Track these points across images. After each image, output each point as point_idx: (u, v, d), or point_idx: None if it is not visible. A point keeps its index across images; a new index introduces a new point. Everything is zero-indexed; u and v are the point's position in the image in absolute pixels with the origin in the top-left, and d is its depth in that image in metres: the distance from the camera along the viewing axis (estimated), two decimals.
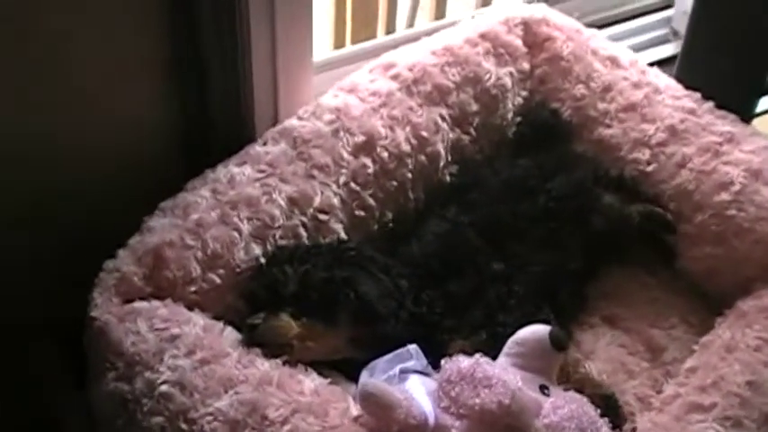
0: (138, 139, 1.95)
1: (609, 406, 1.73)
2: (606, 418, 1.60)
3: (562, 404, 1.51)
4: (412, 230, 1.98)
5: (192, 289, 1.71)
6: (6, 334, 1.84)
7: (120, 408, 1.56)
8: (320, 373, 1.64)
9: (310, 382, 1.58)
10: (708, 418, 1.63)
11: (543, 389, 1.56)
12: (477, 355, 1.54)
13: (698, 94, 2.14)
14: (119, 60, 1.84)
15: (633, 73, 2.17)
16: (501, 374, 1.50)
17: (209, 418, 1.47)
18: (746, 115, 2.29)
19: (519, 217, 1.97)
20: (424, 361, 1.68)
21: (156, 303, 1.66)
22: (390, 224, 2.02)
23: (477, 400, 1.47)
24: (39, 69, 1.75)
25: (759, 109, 2.52)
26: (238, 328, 1.69)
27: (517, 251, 1.92)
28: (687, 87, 2.17)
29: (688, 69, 2.38)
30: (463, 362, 1.52)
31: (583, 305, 2.02)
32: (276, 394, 1.51)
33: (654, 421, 1.70)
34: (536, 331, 1.61)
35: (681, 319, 1.99)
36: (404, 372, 1.67)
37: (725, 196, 1.97)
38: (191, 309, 1.69)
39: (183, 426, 1.48)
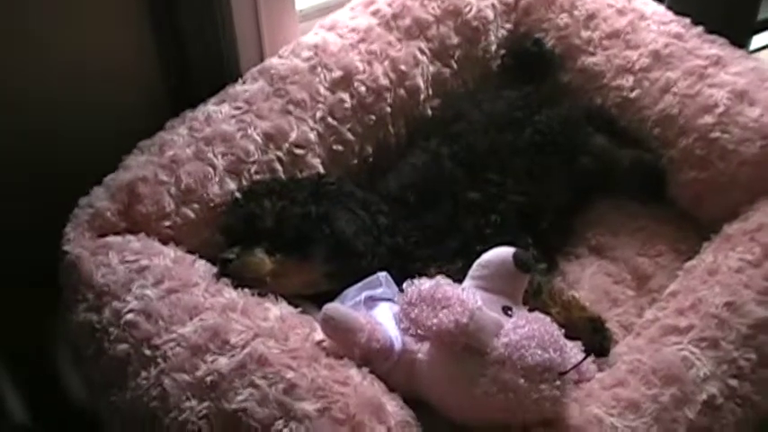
0: (125, 88, 1.98)
1: (595, 328, 1.73)
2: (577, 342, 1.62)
3: (523, 324, 1.49)
4: (393, 164, 1.97)
5: (167, 224, 1.74)
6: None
7: (89, 338, 1.58)
8: (292, 303, 1.66)
9: (277, 309, 1.60)
10: (683, 340, 1.61)
11: (507, 310, 1.55)
12: (438, 277, 1.53)
13: (687, 20, 2.09)
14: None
15: (619, 0, 2.13)
16: (460, 295, 1.49)
17: (173, 343, 1.49)
18: None
19: (502, 148, 1.95)
20: (395, 288, 1.68)
21: (129, 237, 1.70)
22: (371, 158, 2.02)
23: (435, 321, 1.46)
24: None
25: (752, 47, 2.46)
26: (215, 262, 1.70)
27: (497, 181, 1.90)
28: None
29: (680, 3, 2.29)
30: (424, 284, 1.51)
31: (568, 236, 2.00)
32: (240, 320, 1.52)
33: (629, 345, 1.68)
34: (499, 253, 1.59)
35: (669, 247, 1.96)
36: (374, 299, 1.68)
37: (708, 119, 1.92)
38: (165, 243, 1.72)
39: (147, 352, 1.50)
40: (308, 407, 1.39)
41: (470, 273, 1.61)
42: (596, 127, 2.07)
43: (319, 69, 1.95)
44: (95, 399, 1.61)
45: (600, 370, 1.66)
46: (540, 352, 1.46)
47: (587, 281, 1.90)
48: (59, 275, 1.68)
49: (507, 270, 1.58)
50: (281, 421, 1.38)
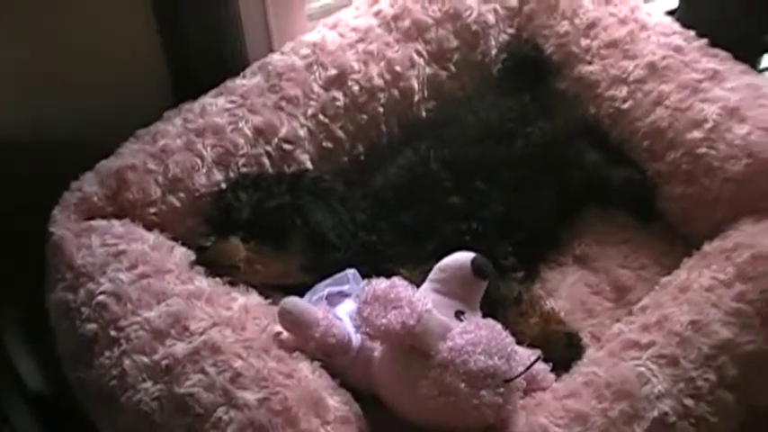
0: (132, 80, 2.04)
1: (570, 344, 1.74)
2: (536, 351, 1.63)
3: (471, 329, 1.51)
4: (383, 163, 2.00)
5: (152, 210, 1.81)
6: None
7: (64, 315, 1.66)
8: (264, 294, 1.71)
9: (243, 299, 1.65)
10: (642, 355, 1.60)
11: (459, 314, 1.57)
12: (395, 278, 1.56)
13: (691, 33, 2.06)
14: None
15: (622, 9, 2.11)
16: (411, 297, 1.51)
17: (136, 326, 1.56)
18: None
19: (493, 159, 1.95)
20: (362, 285, 1.71)
21: (113, 222, 1.77)
22: (362, 157, 2.06)
23: (384, 321, 1.49)
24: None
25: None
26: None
27: (482, 189, 1.91)
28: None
29: (691, 18, 2.22)
30: (381, 284, 1.54)
31: (554, 244, 2.00)
32: (203, 308, 1.58)
33: (590, 357, 1.68)
34: (458, 258, 1.61)
35: (653, 261, 1.94)
36: (342, 295, 1.72)
37: (697, 134, 1.90)
38: (150, 229, 1.78)
39: (113, 333, 1.57)
40: (250, 396, 1.45)
41: (430, 275, 1.63)
42: (591, 141, 2.06)
43: (315, 67, 1.99)
44: (67, 371, 1.68)
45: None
46: (483, 358, 1.48)
47: (566, 290, 1.91)
48: (46, 254, 1.76)
49: (464, 275, 1.60)
50: (223, 408, 1.44)
